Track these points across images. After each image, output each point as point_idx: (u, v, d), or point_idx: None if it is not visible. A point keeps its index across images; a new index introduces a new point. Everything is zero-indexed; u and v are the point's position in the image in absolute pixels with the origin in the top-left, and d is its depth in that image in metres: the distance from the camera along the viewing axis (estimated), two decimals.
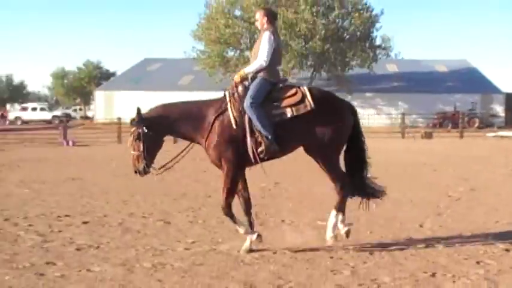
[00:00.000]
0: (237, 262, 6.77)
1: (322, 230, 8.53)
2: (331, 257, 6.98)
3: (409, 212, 10.07)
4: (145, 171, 7.28)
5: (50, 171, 17.10)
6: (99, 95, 69.30)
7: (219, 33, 51.97)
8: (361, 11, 53.31)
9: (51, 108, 73.67)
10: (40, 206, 10.61)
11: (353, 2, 54.06)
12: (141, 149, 7.18)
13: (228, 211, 7.17)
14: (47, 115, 65.91)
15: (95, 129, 49.62)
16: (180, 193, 11.27)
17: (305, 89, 7.24)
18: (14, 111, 73.51)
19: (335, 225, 7.36)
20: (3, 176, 15.80)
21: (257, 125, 6.94)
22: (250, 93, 7.06)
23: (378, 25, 55.41)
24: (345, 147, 7.56)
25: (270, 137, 6.95)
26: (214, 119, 7.12)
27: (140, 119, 7.19)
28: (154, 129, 7.20)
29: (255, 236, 7.22)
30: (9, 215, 9.60)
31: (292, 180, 14.11)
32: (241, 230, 7.21)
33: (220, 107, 7.21)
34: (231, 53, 56.05)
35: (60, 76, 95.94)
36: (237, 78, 7.32)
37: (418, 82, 58.94)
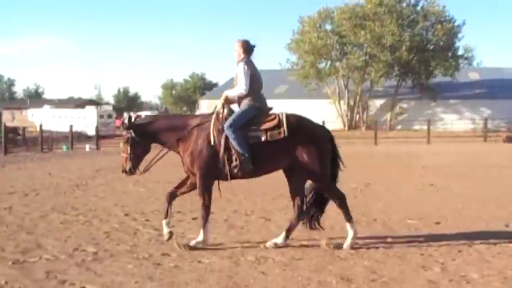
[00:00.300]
0: (333, 257, 6.68)
1: (412, 227, 8.36)
2: (422, 254, 6.80)
3: (495, 212, 9.67)
4: (130, 172, 7.52)
5: (161, 172, 17.45)
6: (203, 103, 70.47)
7: (311, 45, 51.87)
8: (444, 23, 51.91)
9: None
10: (154, 203, 10.86)
11: (436, 14, 52.76)
12: (129, 151, 7.38)
13: (206, 213, 7.38)
14: None
15: None
16: (278, 193, 11.25)
17: (283, 116, 7.10)
18: None
19: (354, 235, 7.17)
20: (122, 176, 16.29)
21: (234, 144, 6.97)
22: (233, 115, 7.16)
23: (460, 35, 53.84)
24: None
25: (246, 155, 6.97)
26: (192, 130, 7.27)
27: (129, 125, 7.42)
28: (141, 135, 7.39)
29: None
30: (128, 211, 9.91)
31: (382, 181, 13.83)
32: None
33: (202, 121, 7.37)
34: (322, 64, 55.80)
35: (169, 87, 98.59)
36: (222, 100, 7.39)
37: (499, 89, 56.54)
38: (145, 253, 6.87)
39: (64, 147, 34.45)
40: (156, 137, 7.49)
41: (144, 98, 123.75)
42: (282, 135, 6.96)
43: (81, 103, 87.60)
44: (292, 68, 56.45)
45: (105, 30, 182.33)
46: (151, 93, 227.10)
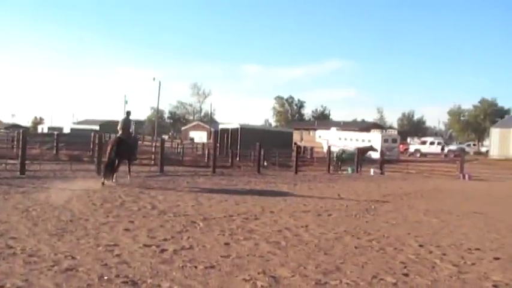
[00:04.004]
0: None
1: None
2: None
3: None
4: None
5: (451, 203, 16.84)
6: (494, 132, 66.83)
7: None
8: None
9: (446, 143, 73.53)
10: (450, 236, 10.34)
11: None
12: None
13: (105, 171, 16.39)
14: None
15: (489, 164, 48.08)
16: None
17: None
18: (413, 145, 75.11)
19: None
20: (412, 203, 16.00)
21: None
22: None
23: None
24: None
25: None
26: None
27: None
28: None
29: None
30: (423, 242, 9.49)
31: None
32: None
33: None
34: None
35: (456, 113, 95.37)
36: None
37: None
38: None
39: (349, 169, 35.26)
40: None
41: (429, 123, 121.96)
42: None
43: (365, 126, 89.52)
44: None
45: (387, 55, 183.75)
46: (436, 119, 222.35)
